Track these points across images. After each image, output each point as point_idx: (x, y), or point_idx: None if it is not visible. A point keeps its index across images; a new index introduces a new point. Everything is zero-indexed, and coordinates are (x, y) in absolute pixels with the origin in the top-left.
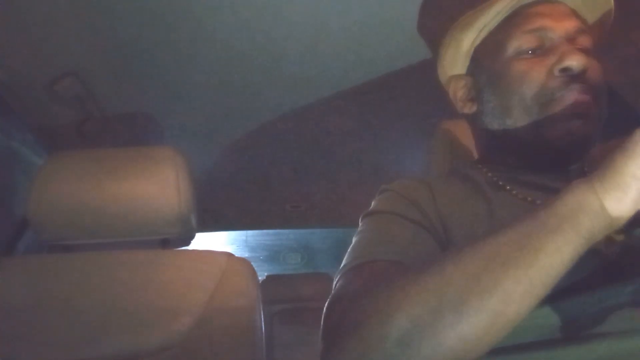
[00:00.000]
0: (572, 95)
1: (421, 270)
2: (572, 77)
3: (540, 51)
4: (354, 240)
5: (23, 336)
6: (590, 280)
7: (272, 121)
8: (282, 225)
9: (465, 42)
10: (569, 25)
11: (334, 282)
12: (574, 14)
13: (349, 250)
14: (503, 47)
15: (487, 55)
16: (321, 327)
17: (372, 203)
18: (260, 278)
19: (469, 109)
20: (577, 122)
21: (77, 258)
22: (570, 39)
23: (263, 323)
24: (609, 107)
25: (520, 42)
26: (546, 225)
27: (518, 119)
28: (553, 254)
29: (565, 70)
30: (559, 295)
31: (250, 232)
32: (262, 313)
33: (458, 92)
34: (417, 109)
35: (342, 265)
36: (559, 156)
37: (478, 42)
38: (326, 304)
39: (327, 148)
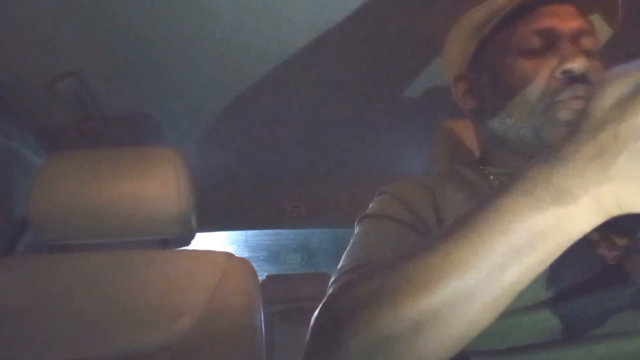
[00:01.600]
0: (573, 100)
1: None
2: (574, 78)
3: (544, 52)
4: (350, 243)
5: (23, 336)
6: (592, 282)
7: (272, 121)
8: (282, 225)
9: (469, 38)
10: (574, 25)
11: (329, 286)
12: (581, 15)
13: (345, 253)
14: (507, 46)
15: (490, 53)
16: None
17: (370, 205)
18: (260, 278)
19: (471, 106)
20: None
21: (77, 258)
22: (574, 40)
23: (263, 323)
24: None
25: (525, 41)
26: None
27: (519, 120)
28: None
29: (566, 72)
30: (560, 297)
31: (250, 232)
32: (262, 313)
33: (461, 88)
34: (417, 108)
35: (338, 267)
36: None
37: (482, 39)
38: (318, 308)
39: (327, 148)
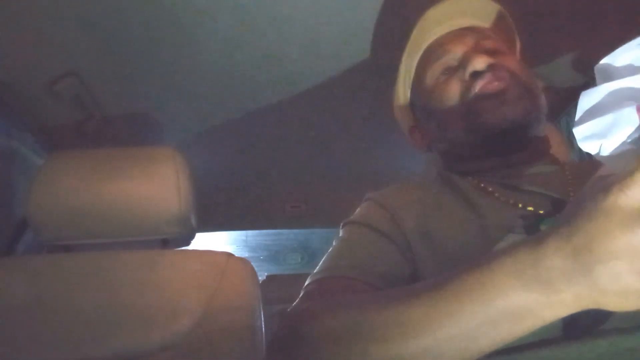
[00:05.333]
0: (482, 84)
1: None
2: (480, 75)
3: (452, 69)
4: (332, 245)
5: (23, 336)
6: None
7: (272, 121)
8: (282, 225)
9: (400, 91)
10: (468, 40)
11: (302, 288)
12: (472, 29)
13: (324, 256)
14: (423, 81)
15: (416, 95)
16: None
17: (356, 210)
18: (260, 278)
19: (426, 144)
20: (496, 102)
21: (77, 258)
22: (476, 46)
23: (263, 323)
24: None
25: (433, 70)
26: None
27: (455, 129)
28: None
29: (472, 73)
30: None
31: (250, 232)
32: (262, 313)
33: (417, 137)
34: None
35: (314, 271)
36: (511, 137)
37: (409, 89)
38: (286, 312)
39: (327, 148)
